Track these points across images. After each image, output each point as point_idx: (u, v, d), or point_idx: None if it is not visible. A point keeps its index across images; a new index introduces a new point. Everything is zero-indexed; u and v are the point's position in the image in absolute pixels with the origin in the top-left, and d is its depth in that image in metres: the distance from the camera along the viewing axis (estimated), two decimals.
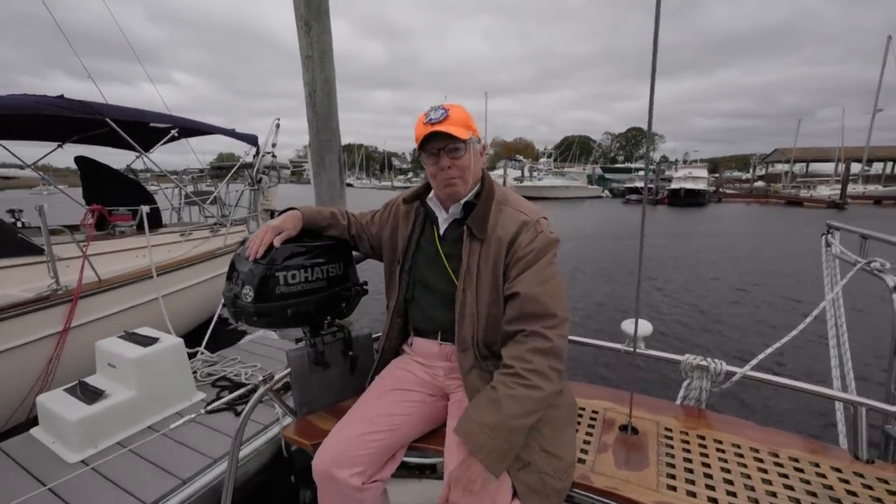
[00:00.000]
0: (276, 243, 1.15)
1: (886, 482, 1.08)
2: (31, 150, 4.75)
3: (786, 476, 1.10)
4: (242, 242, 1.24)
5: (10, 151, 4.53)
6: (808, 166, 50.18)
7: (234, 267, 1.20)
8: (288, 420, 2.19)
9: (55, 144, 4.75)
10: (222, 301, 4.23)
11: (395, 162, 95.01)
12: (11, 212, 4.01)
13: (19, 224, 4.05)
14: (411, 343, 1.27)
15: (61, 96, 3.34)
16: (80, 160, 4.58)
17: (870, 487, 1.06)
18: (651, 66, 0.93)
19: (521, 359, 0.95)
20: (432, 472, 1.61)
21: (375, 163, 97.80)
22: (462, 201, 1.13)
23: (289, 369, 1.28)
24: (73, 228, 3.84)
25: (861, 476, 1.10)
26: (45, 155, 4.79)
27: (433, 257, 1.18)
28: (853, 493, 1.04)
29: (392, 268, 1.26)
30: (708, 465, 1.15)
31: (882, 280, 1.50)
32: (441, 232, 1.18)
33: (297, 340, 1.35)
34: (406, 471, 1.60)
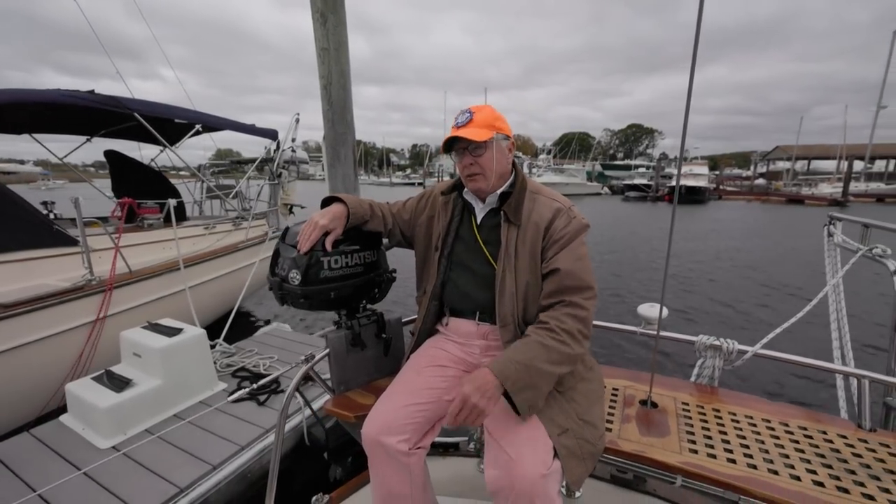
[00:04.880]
0: (328, 246, 1.24)
1: (888, 447, 1.18)
2: (55, 146, 4.88)
3: (797, 442, 1.20)
4: (285, 232, 1.31)
5: (42, 145, 4.64)
6: (809, 164, 49.99)
7: (280, 253, 1.28)
8: (309, 411, 2.27)
9: (84, 138, 4.83)
10: (242, 293, 4.23)
11: (394, 158, 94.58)
12: (45, 203, 4.11)
13: (52, 216, 4.11)
14: (447, 323, 1.34)
15: (92, 91, 3.42)
16: (109, 154, 4.65)
17: (873, 451, 1.16)
18: (692, 58, 0.98)
19: (556, 318, 1.06)
20: (456, 449, 1.70)
21: (374, 159, 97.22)
22: (498, 192, 1.23)
23: (328, 350, 1.35)
24: (103, 221, 3.91)
25: (865, 442, 1.20)
26: (75, 149, 4.88)
27: (472, 243, 1.26)
28: (859, 456, 1.14)
29: (428, 254, 1.34)
30: (725, 433, 1.24)
31: (884, 265, 1.64)
32: (479, 221, 1.27)
33: (335, 323, 1.42)
34: (432, 448, 1.68)
